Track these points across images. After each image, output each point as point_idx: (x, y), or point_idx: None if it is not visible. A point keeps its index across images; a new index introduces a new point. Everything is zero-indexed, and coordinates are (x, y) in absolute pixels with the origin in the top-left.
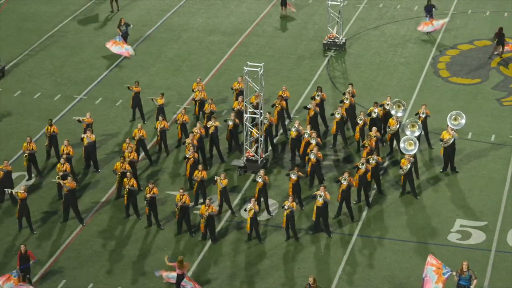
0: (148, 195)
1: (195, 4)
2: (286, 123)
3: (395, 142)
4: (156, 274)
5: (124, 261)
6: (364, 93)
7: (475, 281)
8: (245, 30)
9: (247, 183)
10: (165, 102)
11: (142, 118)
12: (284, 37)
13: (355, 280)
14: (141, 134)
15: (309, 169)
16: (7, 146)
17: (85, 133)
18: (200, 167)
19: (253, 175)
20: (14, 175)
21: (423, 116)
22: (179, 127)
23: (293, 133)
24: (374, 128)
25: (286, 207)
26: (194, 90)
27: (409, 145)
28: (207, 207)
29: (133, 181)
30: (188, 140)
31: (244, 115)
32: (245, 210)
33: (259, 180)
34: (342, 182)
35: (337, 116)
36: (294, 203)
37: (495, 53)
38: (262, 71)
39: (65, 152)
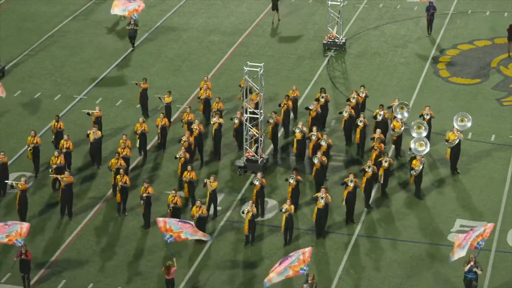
0: (144, 195)
1: (195, 4)
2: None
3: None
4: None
5: (124, 261)
6: None
7: (480, 272)
8: (245, 30)
9: (246, 183)
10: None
11: (146, 113)
12: (284, 37)
13: (355, 280)
14: (143, 128)
15: (313, 174)
16: (7, 146)
17: (94, 126)
18: (189, 167)
19: (253, 175)
20: (14, 175)
21: (427, 117)
22: (185, 126)
23: (298, 134)
24: (378, 130)
25: (284, 210)
26: (201, 88)
27: (420, 146)
28: (197, 209)
29: (126, 178)
30: (184, 138)
31: (244, 115)
32: (243, 212)
33: (257, 183)
34: (348, 184)
35: (345, 114)
36: (292, 206)
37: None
38: (262, 71)
39: (64, 146)
